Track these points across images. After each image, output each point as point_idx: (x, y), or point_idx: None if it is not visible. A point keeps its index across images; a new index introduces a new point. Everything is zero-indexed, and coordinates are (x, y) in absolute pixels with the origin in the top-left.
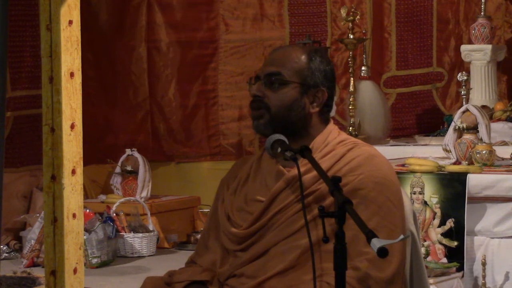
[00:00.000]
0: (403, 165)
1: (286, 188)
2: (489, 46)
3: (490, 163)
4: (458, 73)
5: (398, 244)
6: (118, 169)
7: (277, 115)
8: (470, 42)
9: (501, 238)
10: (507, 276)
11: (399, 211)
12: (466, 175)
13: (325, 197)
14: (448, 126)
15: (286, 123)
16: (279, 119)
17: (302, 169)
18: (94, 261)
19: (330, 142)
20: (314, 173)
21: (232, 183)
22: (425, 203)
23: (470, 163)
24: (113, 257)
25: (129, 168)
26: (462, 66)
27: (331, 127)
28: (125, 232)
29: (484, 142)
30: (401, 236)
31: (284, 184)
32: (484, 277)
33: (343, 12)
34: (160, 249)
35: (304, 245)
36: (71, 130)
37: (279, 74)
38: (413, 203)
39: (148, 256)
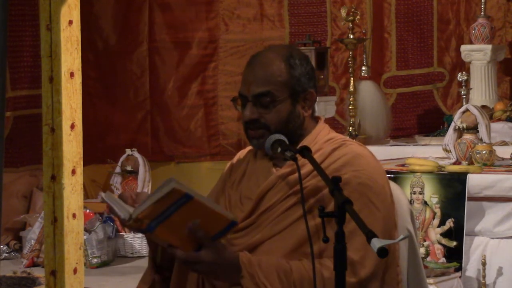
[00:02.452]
0: (403, 165)
1: (274, 187)
2: (489, 46)
3: (490, 163)
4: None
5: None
6: (118, 169)
7: (277, 131)
8: (471, 42)
9: (501, 238)
10: (506, 276)
11: (381, 213)
12: (466, 175)
13: (315, 193)
14: (448, 126)
15: (286, 135)
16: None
17: (289, 168)
18: (94, 261)
19: (319, 141)
20: (303, 170)
21: (230, 178)
22: (425, 203)
23: (470, 163)
24: (113, 257)
25: (129, 168)
26: (463, 66)
27: (321, 126)
28: (125, 232)
29: (484, 142)
30: (401, 236)
31: (272, 183)
32: (483, 277)
33: (343, 12)
34: None
35: (292, 246)
36: (71, 130)
37: (269, 93)
38: (413, 203)
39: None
